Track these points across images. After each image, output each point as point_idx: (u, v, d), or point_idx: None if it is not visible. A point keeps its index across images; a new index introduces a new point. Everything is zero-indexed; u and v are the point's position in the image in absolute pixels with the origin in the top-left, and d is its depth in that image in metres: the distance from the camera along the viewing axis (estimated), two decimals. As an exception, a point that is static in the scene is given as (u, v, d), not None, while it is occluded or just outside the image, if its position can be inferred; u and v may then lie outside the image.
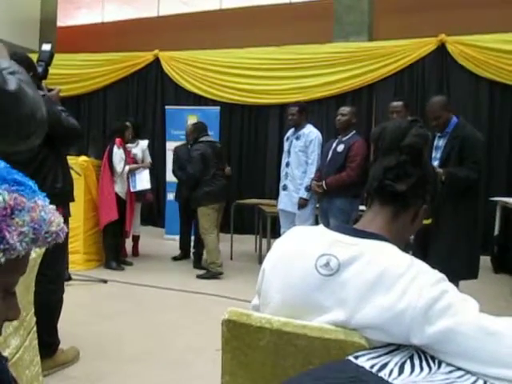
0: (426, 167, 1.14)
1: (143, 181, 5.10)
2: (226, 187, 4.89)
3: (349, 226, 1.13)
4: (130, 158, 5.07)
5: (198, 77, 7.11)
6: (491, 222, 5.16)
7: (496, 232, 5.10)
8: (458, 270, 3.16)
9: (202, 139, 4.82)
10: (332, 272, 1.02)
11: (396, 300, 0.95)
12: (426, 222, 3.10)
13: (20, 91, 0.92)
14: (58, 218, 0.66)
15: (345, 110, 4.13)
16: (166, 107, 6.77)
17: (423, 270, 1.00)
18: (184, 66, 7.20)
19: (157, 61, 7.41)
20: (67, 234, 0.90)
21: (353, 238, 1.07)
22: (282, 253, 1.14)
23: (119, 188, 4.90)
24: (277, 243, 1.18)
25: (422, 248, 3.31)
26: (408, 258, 1.03)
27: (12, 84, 0.91)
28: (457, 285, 3.33)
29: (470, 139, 3.14)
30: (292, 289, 1.08)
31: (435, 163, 3.27)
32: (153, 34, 7.91)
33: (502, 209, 5.08)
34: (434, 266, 3.00)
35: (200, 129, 4.95)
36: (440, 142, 3.29)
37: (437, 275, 1.00)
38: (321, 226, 1.16)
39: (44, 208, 0.63)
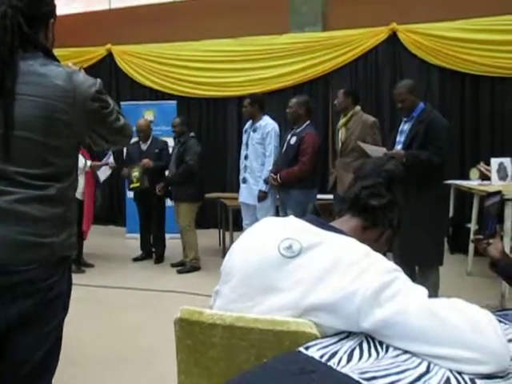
0: (396, 195, 1.27)
1: (105, 173, 5.05)
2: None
3: (320, 219, 1.20)
4: (87, 155, 4.89)
5: (154, 71, 6.98)
6: (446, 204, 5.33)
7: (451, 214, 5.29)
8: (424, 256, 3.22)
9: (192, 135, 4.84)
10: (293, 255, 1.07)
11: (349, 282, 0.99)
12: None
13: (125, 121, 1.45)
14: None
15: (291, 101, 4.18)
16: (122, 103, 6.60)
17: (379, 259, 1.05)
18: (138, 60, 7.05)
19: (110, 55, 7.22)
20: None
21: (320, 229, 1.13)
22: (251, 234, 1.21)
23: None
24: (249, 228, 1.25)
25: None
26: (366, 248, 1.08)
27: (121, 119, 1.44)
28: (414, 272, 3.42)
29: (435, 124, 3.16)
30: (252, 265, 1.12)
31: (399, 147, 3.28)
32: (105, 28, 7.67)
33: (455, 191, 5.26)
34: (399, 252, 3.06)
35: (187, 123, 5.00)
36: (405, 127, 3.31)
37: (391, 265, 1.04)
38: (291, 217, 1.23)
39: None
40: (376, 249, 1.14)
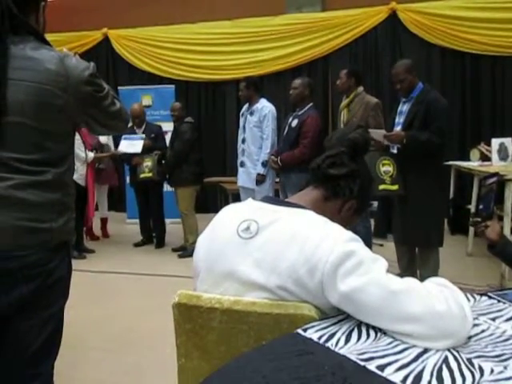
0: (362, 165, 1.24)
1: (134, 145, 4.87)
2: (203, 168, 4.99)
3: (276, 198, 1.21)
4: (88, 143, 4.83)
5: (151, 55, 6.90)
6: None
7: (451, 195, 5.28)
8: (424, 237, 3.22)
9: (186, 120, 4.80)
10: (252, 235, 1.08)
11: (309, 255, 0.99)
12: (393, 188, 3.13)
13: (121, 106, 1.45)
14: None
15: (295, 82, 4.10)
16: (119, 88, 6.55)
17: (336, 228, 1.05)
18: (135, 44, 6.97)
19: (106, 40, 7.14)
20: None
21: (276, 206, 1.13)
22: (212, 225, 1.22)
23: (75, 175, 4.71)
24: (213, 219, 1.24)
25: (386, 215, 3.35)
26: (322, 219, 1.08)
27: (117, 103, 1.43)
28: (414, 253, 3.43)
29: (435, 104, 3.12)
30: (214, 254, 1.14)
31: (398, 128, 3.27)
32: (100, 12, 7.56)
33: (455, 172, 5.25)
34: (400, 232, 3.07)
35: (184, 109, 5.01)
36: (404, 107, 3.28)
37: (349, 234, 1.04)
38: (249, 199, 1.22)
39: None
40: (342, 222, 1.11)
